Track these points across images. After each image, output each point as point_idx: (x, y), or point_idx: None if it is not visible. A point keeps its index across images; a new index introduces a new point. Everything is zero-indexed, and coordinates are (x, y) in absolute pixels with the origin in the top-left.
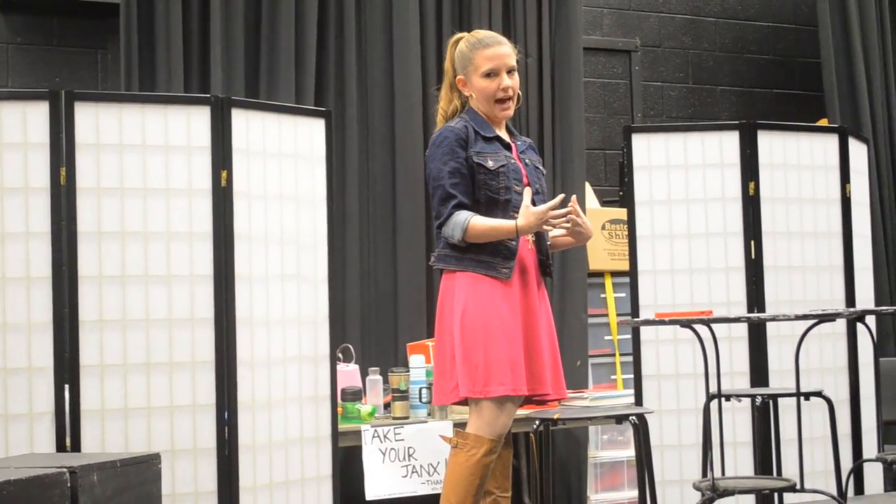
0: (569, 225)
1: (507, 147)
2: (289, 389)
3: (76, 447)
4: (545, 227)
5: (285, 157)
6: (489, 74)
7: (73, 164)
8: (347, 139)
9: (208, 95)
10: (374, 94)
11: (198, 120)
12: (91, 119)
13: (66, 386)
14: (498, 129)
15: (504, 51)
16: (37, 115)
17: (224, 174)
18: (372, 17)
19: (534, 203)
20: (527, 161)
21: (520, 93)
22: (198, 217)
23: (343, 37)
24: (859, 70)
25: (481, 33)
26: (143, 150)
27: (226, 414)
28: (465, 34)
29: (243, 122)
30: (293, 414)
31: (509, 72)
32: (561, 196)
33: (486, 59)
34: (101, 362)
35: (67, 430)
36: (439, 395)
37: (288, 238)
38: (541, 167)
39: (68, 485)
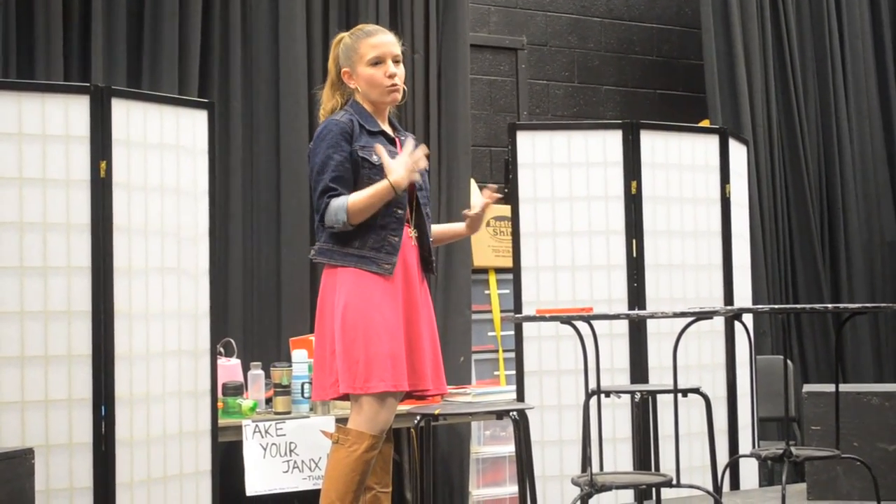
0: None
1: (392, 142)
2: (168, 384)
3: None
4: (415, 176)
5: (167, 148)
6: (376, 63)
7: None
8: (231, 131)
9: (88, 84)
10: (259, 87)
11: (77, 109)
12: None
13: None
14: (382, 124)
15: (389, 39)
16: None
17: (103, 165)
18: (257, 9)
19: (419, 201)
20: None
21: (405, 87)
22: (76, 208)
23: (228, 28)
24: (740, 72)
25: (366, 26)
26: (19, 139)
27: (103, 408)
28: (347, 33)
29: (124, 113)
30: (172, 408)
31: (395, 61)
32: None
33: (371, 46)
34: None
35: None
36: (319, 390)
37: (168, 231)
38: None
39: None
